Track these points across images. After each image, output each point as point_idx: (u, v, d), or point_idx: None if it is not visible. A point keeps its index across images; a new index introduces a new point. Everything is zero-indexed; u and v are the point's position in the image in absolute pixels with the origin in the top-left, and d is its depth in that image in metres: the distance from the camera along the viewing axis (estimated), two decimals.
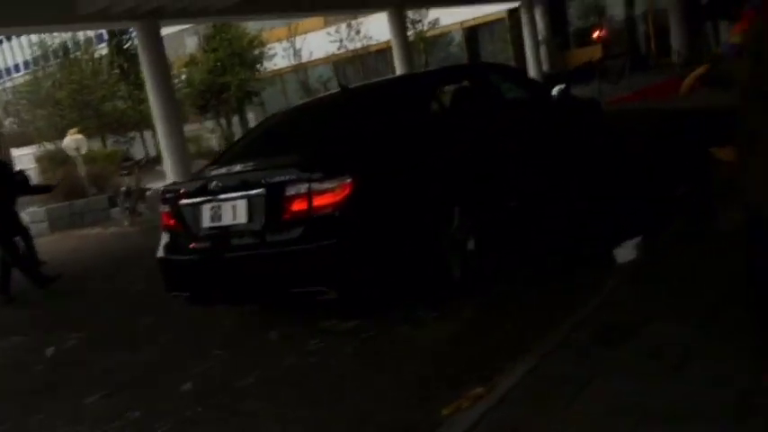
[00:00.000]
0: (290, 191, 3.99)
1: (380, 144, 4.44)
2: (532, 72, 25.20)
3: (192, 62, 23.43)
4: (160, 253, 4.76)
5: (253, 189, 4.17)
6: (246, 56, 23.48)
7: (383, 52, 31.62)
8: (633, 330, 3.42)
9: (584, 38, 29.32)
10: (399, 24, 18.85)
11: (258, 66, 24.85)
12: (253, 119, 25.46)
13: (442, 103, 5.57)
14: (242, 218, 4.23)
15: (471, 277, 4.60)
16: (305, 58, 25.82)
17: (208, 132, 24.13)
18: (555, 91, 6.34)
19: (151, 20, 12.40)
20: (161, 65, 12.88)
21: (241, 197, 4.21)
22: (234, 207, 4.25)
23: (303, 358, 4.21)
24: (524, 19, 24.61)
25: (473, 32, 30.66)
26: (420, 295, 4.57)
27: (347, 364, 4.00)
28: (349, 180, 3.92)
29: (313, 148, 4.52)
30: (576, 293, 4.22)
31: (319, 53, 26.14)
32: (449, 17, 28.42)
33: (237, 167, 4.71)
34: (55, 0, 11.17)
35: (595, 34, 26.96)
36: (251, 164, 4.71)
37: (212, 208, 4.38)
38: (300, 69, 26.49)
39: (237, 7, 13.11)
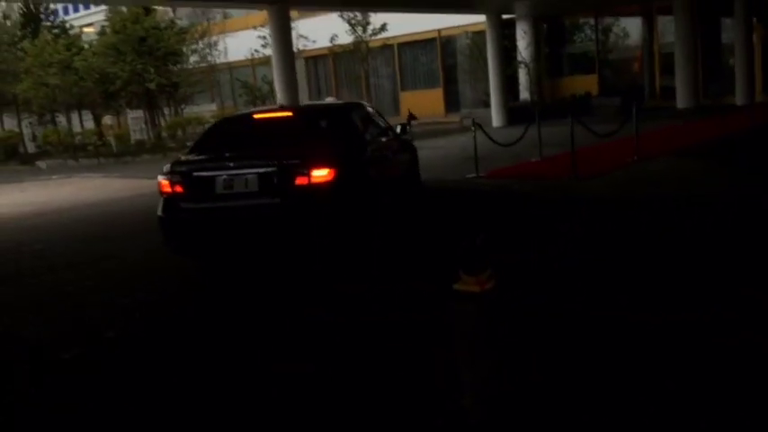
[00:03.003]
0: (297, 171, 5.74)
1: (344, 148, 6.42)
2: (495, 100, 20.65)
3: (79, 46, 19.86)
4: (162, 213, 6.11)
5: (264, 168, 5.82)
6: (154, 45, 19.72)
7: (316, 59, 27.92)
8: None
9: (581, 64, 24.52)
10: (281, 27, 14.74)
11: (178, 58, 21.12)
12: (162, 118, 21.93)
13: (360, 125, 7.34)
14: (253, 186, 5.83)
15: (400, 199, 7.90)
16: (231, 57, 22.14)
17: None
18: (398, 129, 8.38)
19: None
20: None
21: (252, 173, 5.83)
22: (246, 179, 5.83)
23: None
24: (489, 35, 20.00)
25: (449, 42, 26.15)
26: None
27: None
28: (334, 169, 5.81)
29: (307, 147, 6.19)
30: None
31: (242, 53, 22.62)
32: (422, 23, 24.06)
33: (235, 153, 6.23)
34: None
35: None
36: (248, 151, 6.26)
37: (225, 179, 5.89)
38: (224, 69, 22.96)
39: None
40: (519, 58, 22.54)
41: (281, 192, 5.75)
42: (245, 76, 26.62)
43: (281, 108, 7.71)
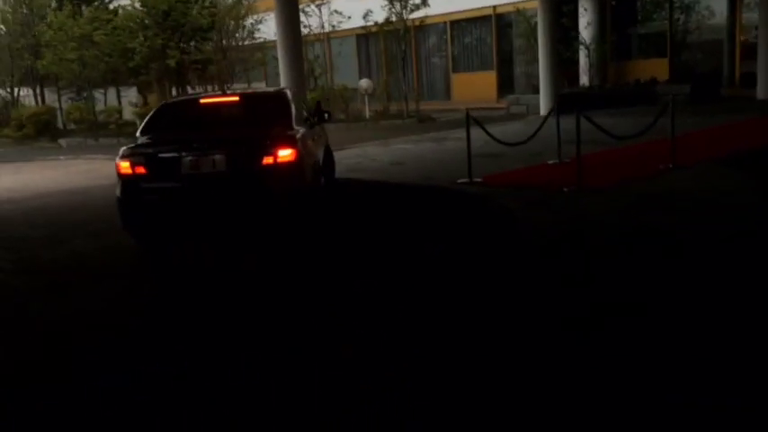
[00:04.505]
0: (264, 151, 6.13)
1: (300, 132, 6.66)
2: (544, 85, 18.45)
3: (104, 19, 19.08)
4: (121, 194, 6.26)
5: (231, 149, 6.18)
6: (180, 19, 18.66)
7: (367, 37, 25.96)
8: None
9: (651, 46, 21.79)
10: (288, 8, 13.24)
11: (206, 34, 20.04)
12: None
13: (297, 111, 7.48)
14: (221, 166, 6.10)
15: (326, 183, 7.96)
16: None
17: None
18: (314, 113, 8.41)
19: None
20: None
21: (218, 154, 6.11)
22: (213, 159, 6.10)
23: None
24: (540, 11, 17.81)
25: (505, 20, 23.85)
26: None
27: None
28: (296, 148, 6.24)
29: (267, 129, 6.63)
30: None
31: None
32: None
33: (196, 135, 6.54)
34: None
35: None
36: (208, 133, 6.66)
37: (191, 160, 6.10)
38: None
39: None
40: (579, 39, 20.20)
41: (249, 171, 6.13)
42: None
43: (226, 94, 8.03)
